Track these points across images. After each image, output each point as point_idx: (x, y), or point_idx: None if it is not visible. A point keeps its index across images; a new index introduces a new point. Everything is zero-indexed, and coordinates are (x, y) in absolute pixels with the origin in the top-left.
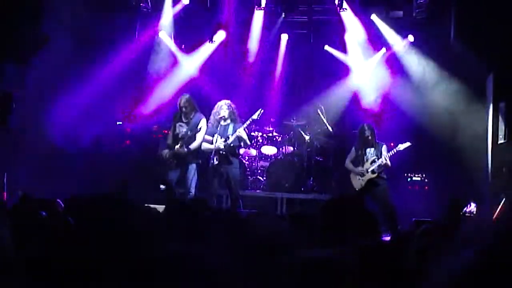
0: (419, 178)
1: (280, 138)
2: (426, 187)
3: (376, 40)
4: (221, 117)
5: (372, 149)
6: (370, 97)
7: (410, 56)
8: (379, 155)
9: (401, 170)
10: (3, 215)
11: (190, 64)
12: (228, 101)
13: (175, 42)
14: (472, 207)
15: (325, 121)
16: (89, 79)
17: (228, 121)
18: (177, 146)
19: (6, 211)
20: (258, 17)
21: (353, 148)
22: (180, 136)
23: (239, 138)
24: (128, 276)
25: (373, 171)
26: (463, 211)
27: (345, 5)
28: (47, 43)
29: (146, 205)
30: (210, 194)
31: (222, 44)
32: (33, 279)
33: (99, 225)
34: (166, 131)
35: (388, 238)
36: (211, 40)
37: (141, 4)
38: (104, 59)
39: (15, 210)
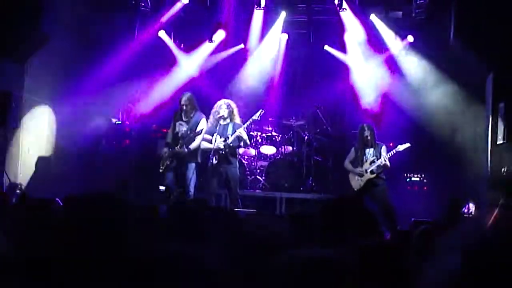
0: (418, 179)
1: (279, 138)
2: (425, 188)
3: (375, 40)
4: (220, 117)
5: (372, 149)
6: (369, 97)
7: (410, 56)
8: (378, 155)
9: (400, 171)
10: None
11: (189, 64)
12: (227, 100)
13: (174, 41)
14: (471, 208)
15: (324, 121)
16: (88, 78)
17: (228, 120)
18: (177, 147)
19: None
20: (258, 16)
21: (353, 149)
22: (180, 135)
23: (239, 138)
24: (127, 276)
25: (372, 172)
26: (461, 211)
27: (344, 5)
28: (46, 43)
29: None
30: (209, 194)
31: (221, 43)
32: (33, 279)
33: (97, 224)
34: (165, 130)
35: (387, 238)
36: (210, 40)
37: (141, 4)
38: (103, 58)
39: (14, 209)
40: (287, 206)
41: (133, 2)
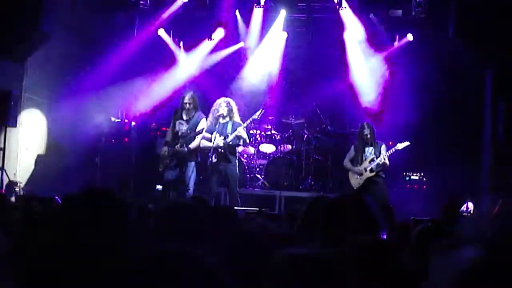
0: (417, 177)
1: (278, 136)
2: (424, 186)
3: (375, 39)
4: (219, 115)
5: (371, 148)
6: (369, 96)
7: (409, 54)
8: (378, 154)
9: (400, 169)
10: None
11: (189, 62)
12: (227, 99)
13: (174, 39)
14: (470, 206)
15: (324, 119)
16: (87, 76)
17: (227, 118)
18: (177, 146)
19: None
20: (258, 15)
21: (352, 147)
22: (180, 134)
23: (239, 137)
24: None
25: (371, 170)
26: (460, 210)
27: (344, 3)
28: (46, 42)
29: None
30: (209, 192)
31: (221, 42)
32: (32, 277)
33: (97, 223)
34: (164, 129)
35: (385, 236)
36: (210, 38)
37: (140, 2)
38: (102, 56)
39: (14, 207)
40: (286, 204)
41: (133, 0)
